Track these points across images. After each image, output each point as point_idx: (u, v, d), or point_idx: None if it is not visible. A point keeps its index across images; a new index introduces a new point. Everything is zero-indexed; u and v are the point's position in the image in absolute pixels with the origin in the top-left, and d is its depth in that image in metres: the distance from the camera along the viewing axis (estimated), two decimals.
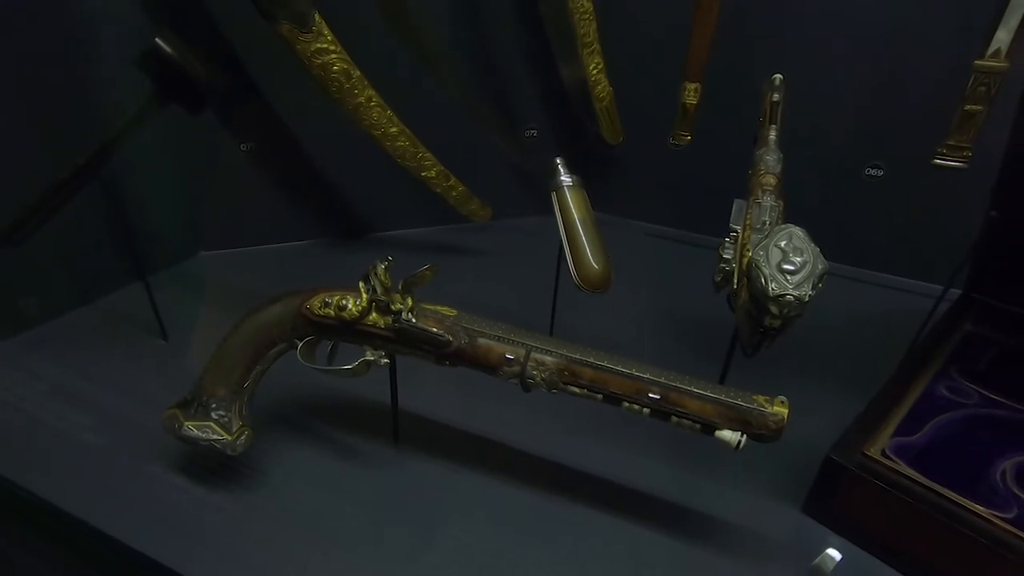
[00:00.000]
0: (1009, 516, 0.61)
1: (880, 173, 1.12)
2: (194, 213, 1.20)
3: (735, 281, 0.74)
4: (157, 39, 0.73)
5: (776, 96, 0.94)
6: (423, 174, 1.09)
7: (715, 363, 0.84)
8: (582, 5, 1.08)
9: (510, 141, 1.25)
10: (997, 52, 0.88)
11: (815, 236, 0.63)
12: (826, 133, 1.13)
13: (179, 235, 1.21)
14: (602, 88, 1.17)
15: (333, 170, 1.24)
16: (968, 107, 0.92)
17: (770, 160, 0.89)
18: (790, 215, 0.81)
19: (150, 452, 0.75)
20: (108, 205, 0.86)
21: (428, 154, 1.08)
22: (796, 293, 0.56)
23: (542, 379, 0.62)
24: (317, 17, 0.91)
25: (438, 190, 1.12)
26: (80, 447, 0.77)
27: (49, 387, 0.87)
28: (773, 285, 0.56)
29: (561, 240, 0.78)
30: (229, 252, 1.24)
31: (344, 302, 0.67)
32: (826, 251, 0.58)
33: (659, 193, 1.33)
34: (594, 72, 1.15)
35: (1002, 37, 0.88)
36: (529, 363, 0.62)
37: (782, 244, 0.58)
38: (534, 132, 1.30)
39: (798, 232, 0.60)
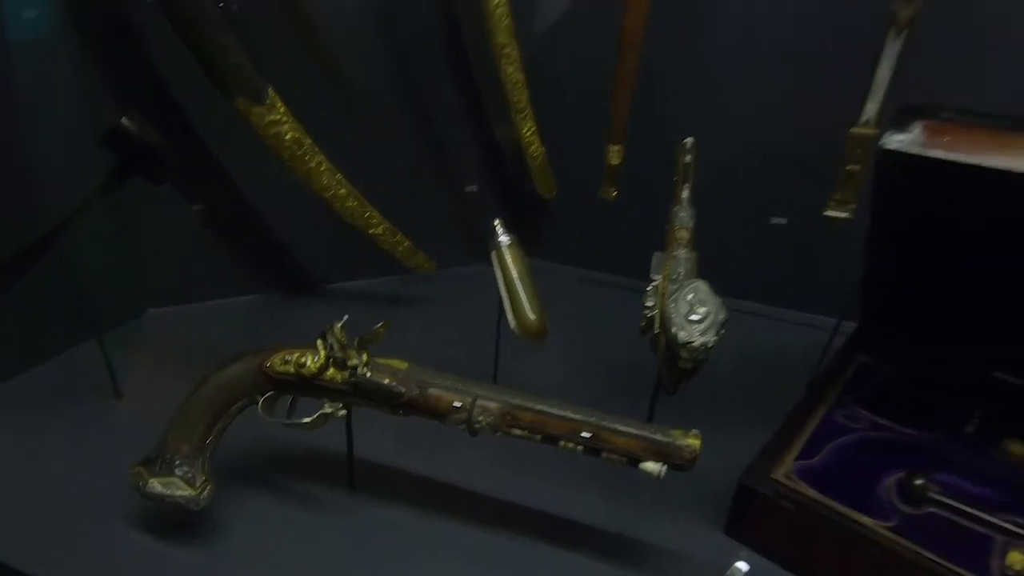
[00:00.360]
0: (891, 525, 0.71)
1: (784, 221, 1.26)
2: (143, 270, 1.23)
3: (656, 327, 0.84)
4: (123, 119, 0.78)
5: (688, 158, 1.07)
6: (370, 231, 1.16)
7: (645, 400, 0.93)
8: (514, 76, 1.18)
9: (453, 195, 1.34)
10: (867, 121, 1.03)
11: (728, 278, 0.72)
12: (736, 186, 1.25)
13: (128, 292, 1.22)
14: (535, 148, 1.27)
15: (282, 226, 1.29)
16: (848, 167, 1.06)
17: (683, 216, 1.00)
18: (705, 260, 0.92)
19: (109, 511, 0.78)
20: (57, 265, 0.89)
21: (375, 212, 1.15)
22: (702, 340, 0.65)
23: (487, 424, 0.69)
24: (270, 91, 0.98)
25: (385, 246, 1.19)
26: (38, 508, 0.79)
27: (3, 449, 0.88)
28: (682, 334, 0.66)
29: (501, 295, 0.86)
30: (179, 308, 1.26)
31: (303, 359, 0.73)
32: (739, 290, 0.68)
33: (591, 241, 1.44)
34: (527, 134, 1.25)
35: (871, 108, 1.03)
36: (475, 409, 0.69)
37: (689, 297, 0.68)
38: (475, 187, 1.39)
39: (702, 286, 0.69)
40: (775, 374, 1.12)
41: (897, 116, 0.69)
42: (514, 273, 0.84)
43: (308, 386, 0.73)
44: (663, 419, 0.72)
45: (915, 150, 0.64)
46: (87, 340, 1.05)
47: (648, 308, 0.85)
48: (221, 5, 0.94)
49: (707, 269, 0.87)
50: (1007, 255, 0.75)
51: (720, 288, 0.74)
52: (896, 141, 0.66)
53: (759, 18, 1.17)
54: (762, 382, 1.10)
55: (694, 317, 0.67)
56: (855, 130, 1.04)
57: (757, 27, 1.17)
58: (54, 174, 1.00)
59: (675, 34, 1.20)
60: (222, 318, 1.25)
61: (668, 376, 0.75)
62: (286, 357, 0.74)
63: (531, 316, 0.81)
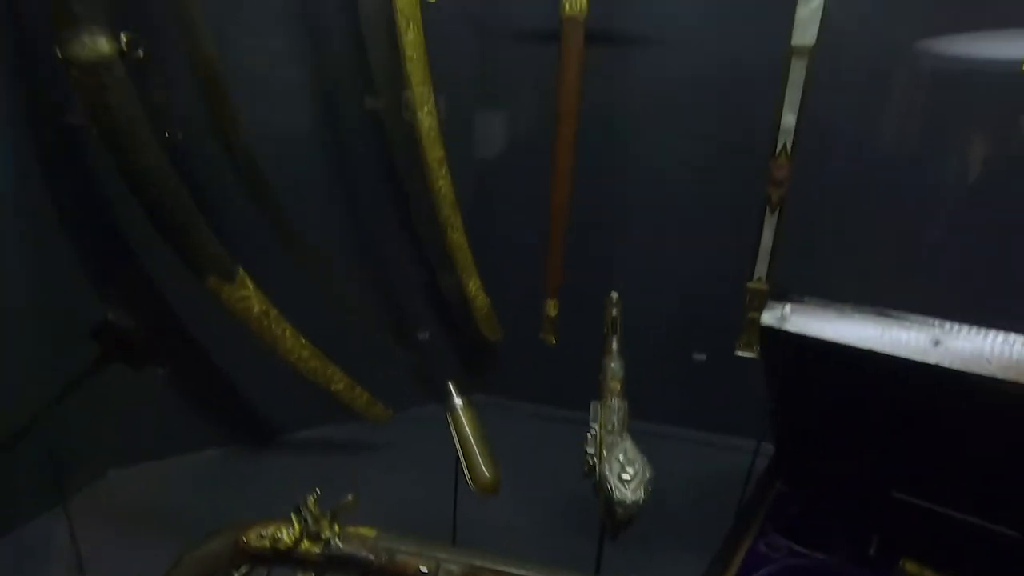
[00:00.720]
0: None
1: (703, 357, 1.42)
2: (103, 432, 1.26)
3: (596, 475, 0.94)
4: (109, 314, 0.87)
5: (615, 311, 1.22)
6: (331, 387, 1.25)
7: (590, 538, 1.02)
8: (458, 240, 1.34)
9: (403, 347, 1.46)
10: (759, 278, 1.23)
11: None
12: (661, 325, 1.42)
13: (89, 455, 1.24)
14: (480, 300, 1.42)
15: (244, 380, 1.36)
16: (750, 315, 1.24)
17: (614, 367, 1.14)
18: (637, 399, 1.04)
19: None
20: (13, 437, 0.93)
21: (336, 369, 1.24)
22: (633, 498, 0.76)
23: None
24: (241, 271, 1.09)
25: (345, 400, 1.27)
26: None
27: None
28: (617, 493, 0.77)
29: (457, 452, 0.95)
30: (141, 467, 1.29)
31: (279, 534, 0.79)
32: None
33: (536, 378, 1.56)
34: (473, 289, 1.40)
35: (760, 268, 1.23)
36: (440, 573, 0.76)
37: (620, 458, 0.80)
38: (427, 335, 1.51)
39: (630, 446, 0.82)
40: (707, 501, 1.23)
41: (772, 295, 0.86)
42: (468, 434, 0.94)
43: (283, 559, 0.79)
44: (606, 556, 0.81)
45: (778, 325, 0.81)
46: (49, 509, 1.07)
47: (589, 455, 0.96)
48: (167, 135, 1.03)
49: (638, 399, 1.00)
50: (889, 392, 0.90)
51: (650, 415, 0.85)
52: (766, 318, 0.83)
53: (669, 193, 1.38)
54: (695, 510, 1.21)
55: (625, 476, 0.78)
56: (750, 285, 1.23)
57: (667, 201, 1.38)
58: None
59: (597, 203, 1.40)
60: (184, 475, 1.28)
61: (609, 525, 0.85)
62: (261, 532, 0.80)
63: (485, 474, 0.91)
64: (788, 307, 0.83)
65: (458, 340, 1.56)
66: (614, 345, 1.19)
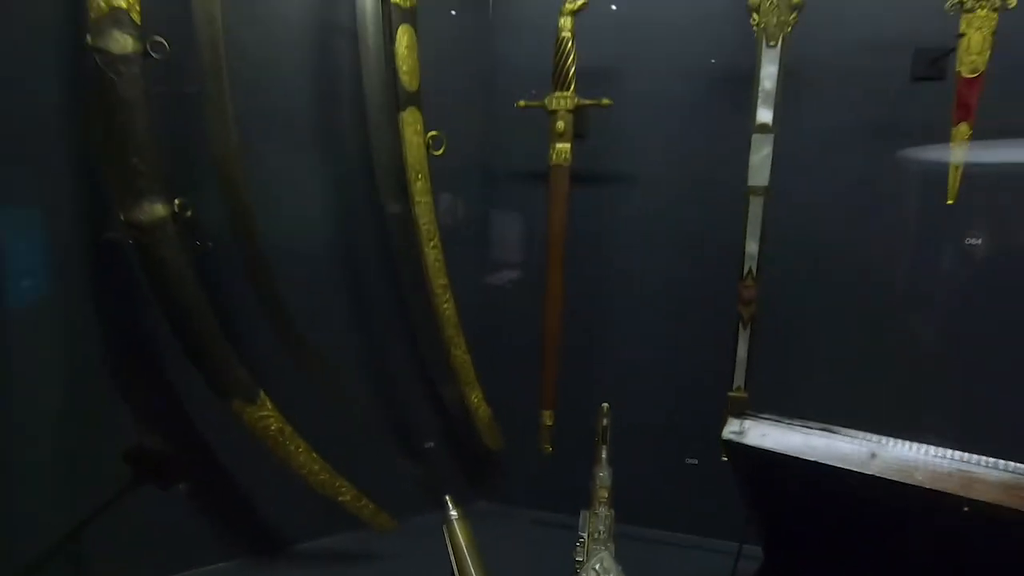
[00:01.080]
0: None
1: (696, 462, 1.49)
2: (119, 548, 1.31)
3: None
4: (142, 440, 0.99)
5: (605, 421, 1.32)
6: (339, 498, 1.33)
7: None
8: (461, 358, 1.46)
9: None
10: (738, 387, 1.32)
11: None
12: (651, 436, 1.50)
13: (107, 572, 1.31)
14: (483, 411, 1.52)
15: (255, 494, 1.44)
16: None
17: (603, 476, 1.22)
18: (629, 504, 1.11)
19: None
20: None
21: (343, 481, 1.33)
22: None
23: None
24: (262, 393, 1.22)
25: (351, 510, 1.35)
26: None
27: None
28: None
29: (452, 565, 1.03)
30: None
31: None
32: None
33: (534, 485, 1.63)
34: (475, 401, 1.50)
35: (738, 378, 1.33)
36: None
37: (596, 567, 0.88)
38: (431, 444, 1.61)
39: (607, 555, 0.89)
40: None
41: (732, 413, 0.96)
42: (463, 546, 1.02)
43: None
44: None
45: (737, 439, 0.91)
46: None
47: (578, 563, 1.04)
48: (198, 243, 1.14)
49: (630, 503, 1.08)
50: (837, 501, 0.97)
51: (641, 519, 0.91)
52: (726, 432, 0.93)
53: (653, 311, 1.51)
54: None
55: None
56: (731, 393, 1.33)
57: (652, 318, 1.51)
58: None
59: (589, 321, 1.53)
60: None
61: None
62: None
63: None
64: (745, 422, 0.93)
65: (461, 449, 1.64)
66: (603, 455, 1.27)
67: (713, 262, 1.36)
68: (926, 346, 1.38)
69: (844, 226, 1.36)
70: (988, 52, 1.09)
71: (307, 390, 1.35)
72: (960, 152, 1.12)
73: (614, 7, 1.45)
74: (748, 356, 1.31)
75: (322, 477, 1.29)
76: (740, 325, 1.31)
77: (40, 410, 1.14)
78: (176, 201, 1.01)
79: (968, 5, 1.08)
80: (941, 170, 1.15)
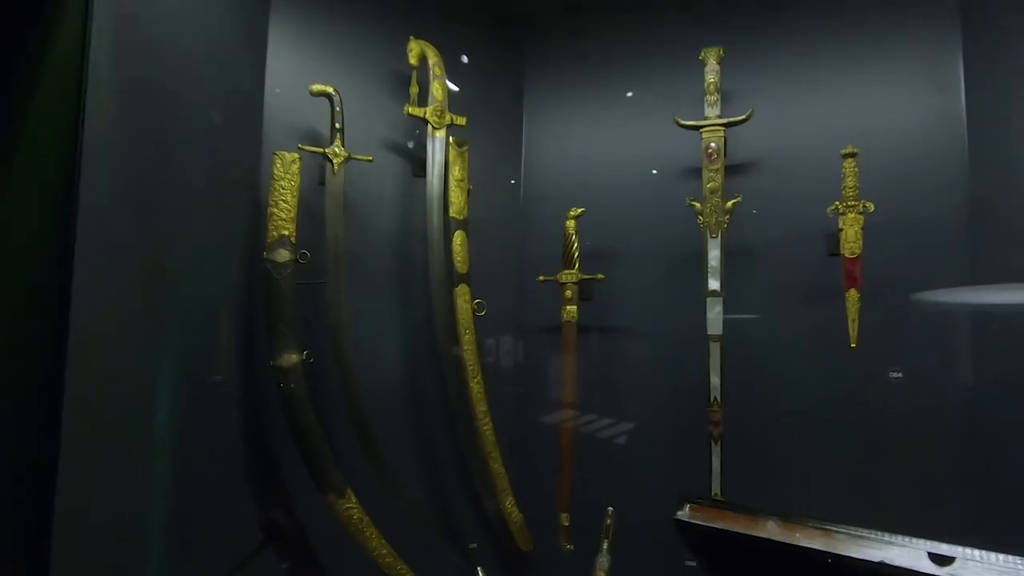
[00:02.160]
0: None
1: (694, 563, 1.79)
2: None
3: None
4: (273, 514, 1.44)
5: (609, 521, 1.68)
6: None
7: None
8: (498, 470, 1.87)
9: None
10: (716, 494, 1.67)
11: None
12: (650, 538, 1.82)
13: None
14: (515, 516, 1.89)
15: (332, 569, 1.83)
16: None
17: (601, 560, 1.57)
18: None
19: None
20: None
21: (405, 566, 1.71)
22: None
23: None
24: (349, 490, 1.66)
25: None
26: None
27: None
28: None
29: None
30: None
31: None
32: None
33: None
34: (509, 507, 1.89)
35: (715, 486, 1.68)
36: None
37: None
38: (474, 545, 1.97)
39: None
40: None
41: (679, 501, 1.34)
42: None
43: None
44: None
45: (684, 519, 1.27)
46: None
47: None
48: (306, 355, 1.60)
49: None
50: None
51: None
52: (679, 514, 1.30)
53: (647, 430, 1.91)
54: None
55: None
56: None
57: (647, 436, 1.91)
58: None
59: (596, 439, 1.93)
60: None
61: None
62: None
63: None
64: (688, 507, 1.30)
65: (498, 549, 2.00)
66: (604, 546, 1.63)
67: (688, 393, 1.77)
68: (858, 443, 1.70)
69: (789, 362, 1.76)
70: (860, 240, 1.54)
71: (380, 494, 1.78)
72: (853, 309, 1.55)
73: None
74: (721, 466, 1.67)
75: (388, 560, 1.68)
76: (711, 442, 1.68)
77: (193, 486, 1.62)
78: (304, 352, 1.55)
79: (842, 210, 1.56)
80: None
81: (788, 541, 1.08)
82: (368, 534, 1.66)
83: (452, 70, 1.88)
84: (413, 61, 1.72)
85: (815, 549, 1.04)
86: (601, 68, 2.07)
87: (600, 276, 1.87)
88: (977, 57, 1.65)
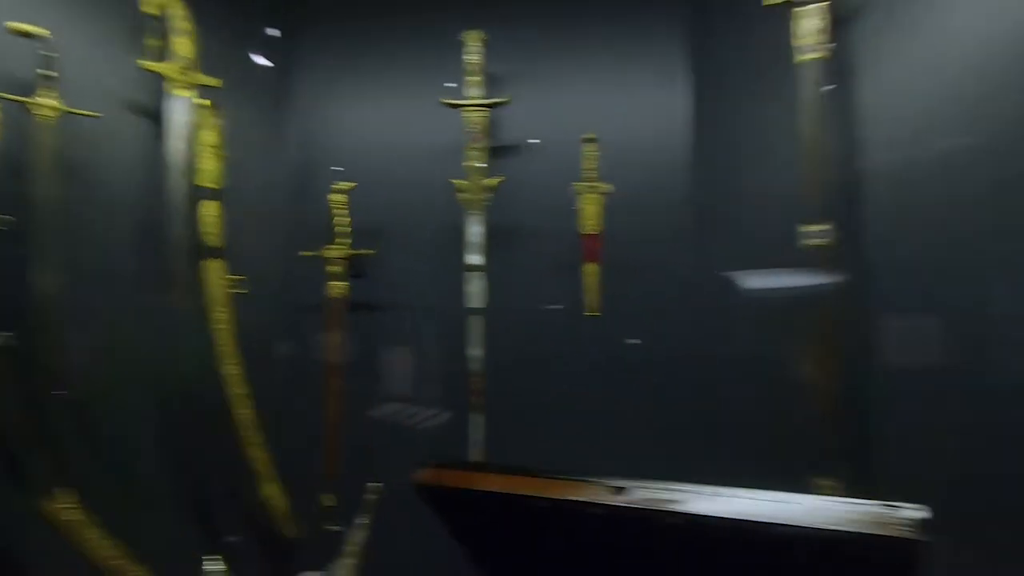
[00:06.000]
0: None
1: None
2: None
3: None
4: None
5: (370, 496, 1.66)
6: None
7: None
8: (258, 455, 1.77)
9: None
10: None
11: None
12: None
13: None
14: (278, 503, 1.81)
15: None
16: None
17: (356, 537, 1.55)
18: None
19: None
20: None
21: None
22: None
23: None
24: (60, 489, 1.46)
25: None
26: None
27: None
28: None
29: None
30: None
31: None
32: None
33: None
34: (272, 493, 1.80)
35: (473, 435, 1.73)
36: None
37: None
38: (234, 538, 1.84)
39: None
40: None
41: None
42: None
43: None
44: None
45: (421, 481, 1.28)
46: None
47: None
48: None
49: None
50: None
51: None
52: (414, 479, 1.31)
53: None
54: None
55: None
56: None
57: (415, 399, 1.92)
58: None
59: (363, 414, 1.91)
60: None
61: None
62: None
63: None
64: (430, 469, 1.31)
65: (265, 537, 1.89)
66: (360, 521, 1.61)
67: (453, 365, 1.81)
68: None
69: (546, 330, 1.87)
70: (599, 219, 1.68)
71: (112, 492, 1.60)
72: (592, 281, 1.68)
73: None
74: (485, 436, 1.72)
75: (120, 562, 1.52)
76: (470, 411, 1.73)
77: None
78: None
79: (580, 191, 1.69)
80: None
81: (500, 490, 1.14)
82: (88, 536, 1.48)
83: (212, 33, 1.74)
84: (149, 9, 1.55)
85: (528, 496, 1.10)
86: (373, 45, 2.04)
87: (370, 252, 1.84)
88: (704, 55, 1.87)
